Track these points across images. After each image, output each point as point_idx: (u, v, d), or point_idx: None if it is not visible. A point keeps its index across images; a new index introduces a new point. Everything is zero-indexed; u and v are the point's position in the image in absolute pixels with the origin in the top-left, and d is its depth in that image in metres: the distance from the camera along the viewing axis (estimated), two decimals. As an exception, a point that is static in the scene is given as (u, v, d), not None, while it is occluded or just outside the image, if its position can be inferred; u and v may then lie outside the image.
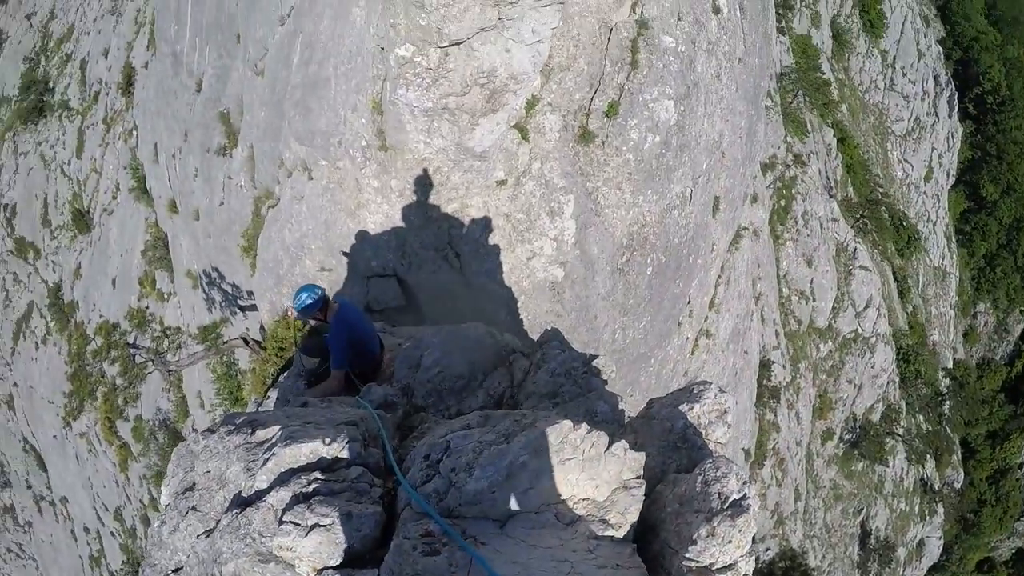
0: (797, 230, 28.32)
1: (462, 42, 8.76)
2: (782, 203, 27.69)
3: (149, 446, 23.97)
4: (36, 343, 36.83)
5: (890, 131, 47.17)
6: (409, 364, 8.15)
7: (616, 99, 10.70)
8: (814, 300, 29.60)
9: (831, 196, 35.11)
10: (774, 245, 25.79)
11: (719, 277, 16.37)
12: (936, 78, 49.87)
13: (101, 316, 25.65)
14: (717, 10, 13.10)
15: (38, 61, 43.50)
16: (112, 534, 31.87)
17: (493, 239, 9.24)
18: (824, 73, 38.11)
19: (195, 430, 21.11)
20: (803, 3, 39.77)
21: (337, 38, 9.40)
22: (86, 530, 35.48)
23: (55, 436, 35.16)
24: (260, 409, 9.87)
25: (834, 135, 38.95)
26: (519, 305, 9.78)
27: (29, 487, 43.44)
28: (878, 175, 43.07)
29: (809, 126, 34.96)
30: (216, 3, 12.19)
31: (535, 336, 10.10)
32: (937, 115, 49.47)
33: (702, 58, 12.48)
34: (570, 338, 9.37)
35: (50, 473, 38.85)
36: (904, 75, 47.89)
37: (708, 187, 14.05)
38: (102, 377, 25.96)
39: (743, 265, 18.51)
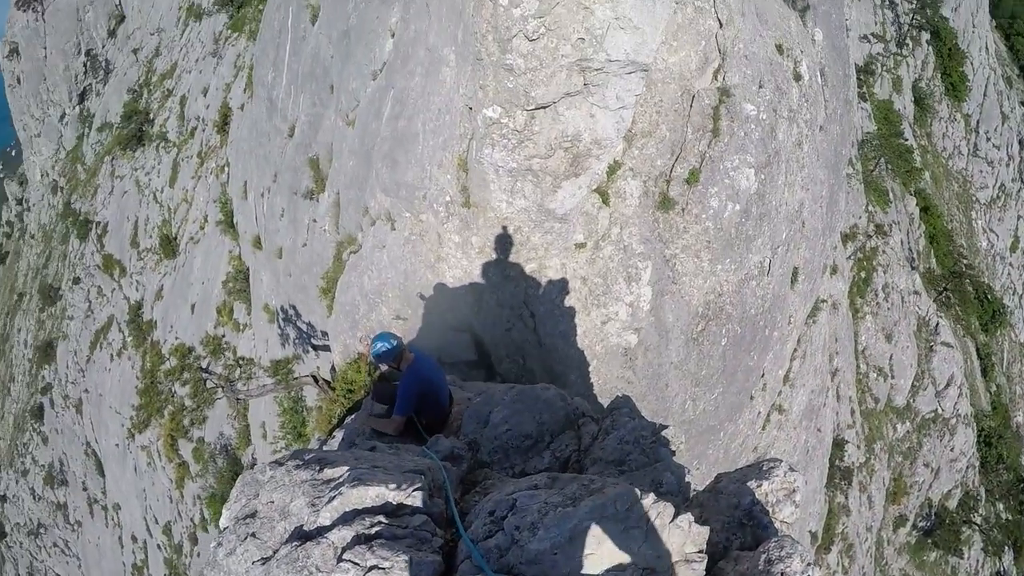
0: (877, 303, 27.23)
1: (548, 106, 8.89)
2: (862, 275, 26.75)
3: (207, 468, 24.51)
4: (111, 355, 38.59)
5: (974, 199, 45.42)
6: (478, 419, 8.20)
7: (697, 166, 10.61)
8: (893, 377, 28.24)
9: (913, 268, 33.80)
10: (853, 319, 24.84)
11: (795, 351, 15.79)
12: (1021, 141, 47.96)
13: (177, 338, 26.71)
14: (798, 77, 12.95)
15: (141, 93, 46.55)
16: (159, 547, 32.54)
17: (569, 301, 9.18)
18: (906, 139, 37.18)
19: (254, 458, 21.50)
20: (884, 68, 39.13)
21: (427, 95, 9.68)
22: (133, 539, 36.35)
23: (117, 445, 36.44)
24: (324, 448, 9.97)
25: (917, 204, 37.71)
26: (590, 369, 9.63)
27: (85, 489, 44.97)
28: (962, 246, 41.37)
29: (891, 195, 33.94)
30: (312, 54, 12.79)
31: (604, 400, 9.93)
32: (1023, 181, 47.35)
33: (783, 126, 12.30)
34: (640, 406, 9.15)
35: (107, 479, 40.17)
36: (988, 139, 46.33)
37: (787, 257, 13.68)
38: (172, 396, 26.79)
39: (820, 339, 17.83)
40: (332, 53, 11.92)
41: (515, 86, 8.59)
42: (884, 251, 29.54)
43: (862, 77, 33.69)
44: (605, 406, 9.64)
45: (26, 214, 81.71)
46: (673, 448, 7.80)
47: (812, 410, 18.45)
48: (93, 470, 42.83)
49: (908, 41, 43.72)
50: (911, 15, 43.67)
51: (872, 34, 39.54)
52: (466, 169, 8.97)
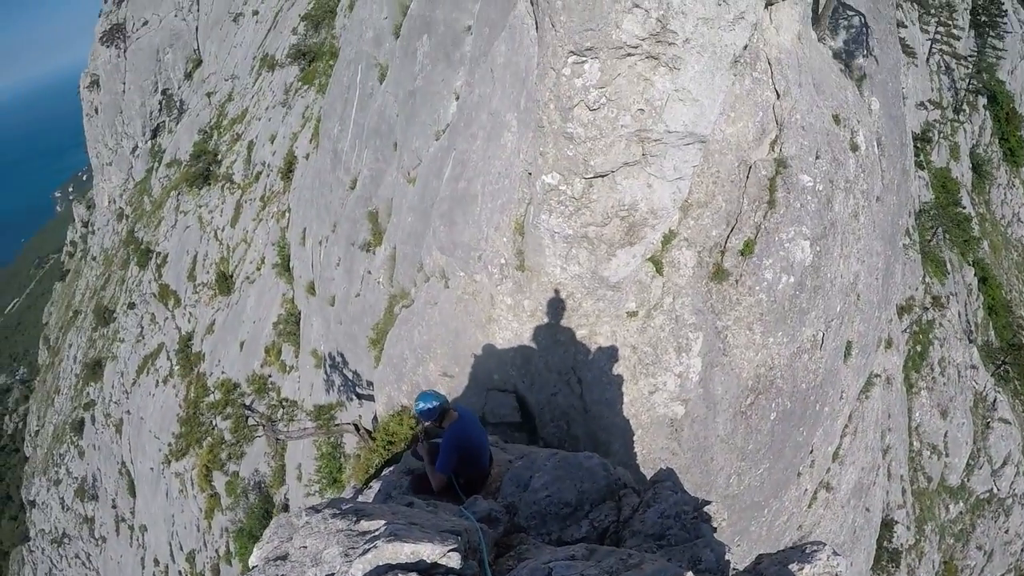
0: (933, 378, 26.29)
1: (606, 175, 9.00)
2: (918, 348, 25.92)
3: (239, 503, 24.68)
4: (157, 381, 39.57)
5: (1034, 267, 43.83)
6: (517, 483, 8.13)
7: (752, 237, 10.55)
8: (947, 455, 27.06)
9: (971, 341, 32.65)
10: (907, 394, 24.00)
11: (846, 427, 15.29)
12: (1082, 206, 46.29)
13: (224, 373, 27.27)
14: (855, 147, 12.87)
15: (211, 134, 48.66)
16: (179, 573, 32.68)
17: (617, 369, 9.12)
18: (964, 208, 36.42)
19: (287, 499, 21.58)
20: (941, 135, 38.56)
21: (488, 159, 9.90)
22: (156, 562, 36.61)
23: (152, 468, 37.08)
24: (360, 498, 9.98)
25: (975, 274, 36.63)
26: (635, 438, 9.50)
27: (114, 506, 45.68)
28: (1021, 317, 39.79)
29: (949, 265, 33.04)
30: (378, 111, 13.24)
31: (647, 471, 9.75)
32: (1085, 249, 45.58)
33: (839, 197, 12.19)
34: (683, 478, 8.96)
35: (137, 500, 40.77)
36: (1048, 204, 44.91)
37: (841, 331, 13.39)
38: (213, 429, 27.23)
39: (872, 415, 17.23)
40: (397, 112, 12.32)
41: (575, 154, 8.74)
42: (941, 324, 28.63)
43: (919, 145, 33.25)
44: (647, 477, 9.47)
45: (90, 236, 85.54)
46: (715, 525, 7.62)
47: (861, 489, 17.73)
48: (125, 489, 43.57)
49: (965, 107, 43.15)
50: (967, 80, 43.16)
51: (929, 101, 39.14)
52: (522, 233, 9.10)
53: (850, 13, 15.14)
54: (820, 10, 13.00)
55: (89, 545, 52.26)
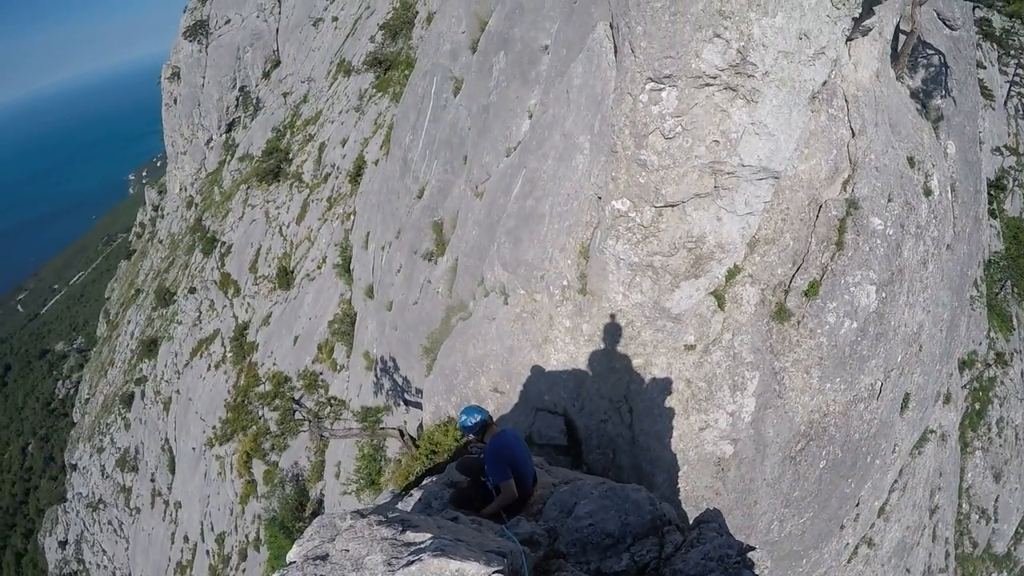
0: (989, 438, 25.15)
1: (677, 205, 8.96)
2: (976, 406, 24.85)
3: (274, 492, 25.17)
4: (209, 365, 40.72)
5: (1103, 327, 41.53)
6: (561, 508, 8.12)
7: (818, 279, 10.36)
8: (996, 521, 25.78)
9: (1033, 404, 31.08)
10: (961, 453, 23.01)
11: (895, 482, 14.79)
12: None
13: (275, 365, 27.88)
14: (928, 192, 12.51)
15: (284, 133, 50.14)
16: (207, 552, 33.36)
17: (669, 402, 9.04)
18: (1035, 261, 34.72)
19: (322, 494, 21.88)
20: (1016, 183, 36.99)
21: (558, 179, 9.97)
22: (186, 539, 37.50)
23: (194, 448, 38.13)
24: (399, 504, 10.08)
25: (1041, 331, 34.87)
26: (680, 473, 9.38)
27: (152, 480, 47.10)
28: (1090, 385, 37.70)
29: (1015, 320, 31.62)
30: (451, 124, 13.46)
31: (688, 507, 9.61)
32: None
33: (909, 243, 11.88)
34: (724, 519, 8.81)
35: (176, 477, 41.91)
36: (1121, 256, 42.47)
37: (900, 382, 13.01)
38: (259, 418, 27.88)
39: (924, 472, 16.62)
40: (470, 125, 12.51)
41: (646, 182, 8.74)
42: (1003, 382, 27.39)
43: (992, 192, 31.99)
44: (688, 513, 9.35)
45: (159, 220, 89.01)
46: (758, 572, 7.47)
47: (904, 548, 17.08)
48: (165, 465, 44.83)
49: (1041, 153, 41.38)
50: (1045, 124, 41.40)
51: (1005, 146, 37.65)
52: (587, 256, 9.12)
53: (930, 52, 14.76)
54: (900, 47, 12.73)
55: (123, 514, 53.91)
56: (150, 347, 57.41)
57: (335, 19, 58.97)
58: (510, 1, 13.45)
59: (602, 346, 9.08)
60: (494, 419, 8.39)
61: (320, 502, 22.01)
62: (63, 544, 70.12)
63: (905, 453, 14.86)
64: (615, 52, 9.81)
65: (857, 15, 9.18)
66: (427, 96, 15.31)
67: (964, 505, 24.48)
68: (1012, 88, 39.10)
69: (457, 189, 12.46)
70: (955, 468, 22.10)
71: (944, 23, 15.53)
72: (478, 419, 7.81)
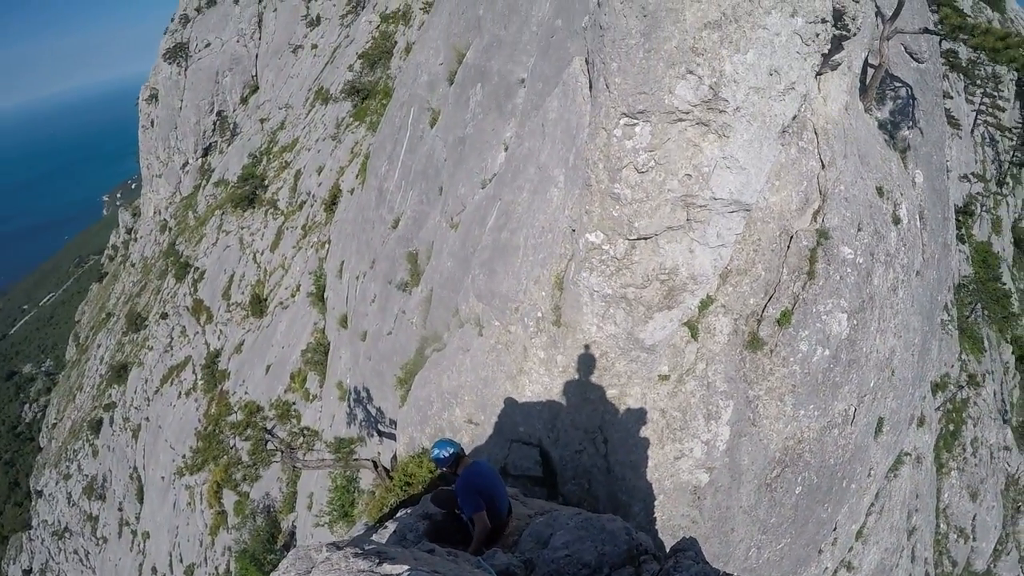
0: (964, 459, 25.49)
1: (650, 237, 9.06)
2: (950, 427, 25.20)
3: (245, 523, 24.73)
4: (180, 392, 40.07)
5: (1073, 349, 42.42)
6: (537, 539, 8.09)
7: (790, 308, 10.50)
8: (974, 540, 26.04)
9: (1005, 421, 31.62)
10: (937, 474, 23.26)
11: (872, 505, 14.90)
12: None
13: (247, 394, 27.51)
14: (897, 220, 12.77)
15: (260, 159, 49.98)
16: None
17: (644, 432, 9.06)
18: (1004, 283, 35.57)
19: (294, 526, 21.49)
20: (983, 208, 37.94)
21: (532, 211, 10.04)
22: (154, 570, 36.59)
23: (163, 477, 37.36)
24: (374, 536, 9.95)
25: (1012, 352, 35.64)
26: (656, 503, 9.38)
27: (120, 509, 45.96)
28: (1060, 399, 38.50)
29: (986, 342, 32.25)
30: (427, 155, 13.52)
31: (664, 536, 9.60)
32: (1126, 330, 44.04)
33: (879, 270, 12.09)
34: (701, 547, 8.81)
35: (144, 507, 40.98)
36: (1089, 280, 43.57)
37: (873, 407, 13.17)
38: (231, 448, 27.41)
39: (900, 494, 16.76)
40: (446, 156, 12.57)
41: (620, 215, 8.82)
42: (975, 403, 27.85)
43: (960, 218, 32.78)
44: (665, 543, 9.33)
45: (132, 243, 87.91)
46: (736, 601, 7.48)
47: (883, 570, 17.16)
48: (133, 494, 43.87)
49: (1008, 179, 42.50)
50: (1012, 152, 42.58)
51: (972, 173, 38.65)
52: (561, 288, 9.17)
53: (898, 84, 15.11)
54: (869, 81, 13.03)
55: (89, 543, 52.50)
56: (120, 372, 56.32)
57: (315, 46, 59.19)
58: (488, 34, 13.61)
59: (577, 377, 9.09)
60: (468, 451, 8.36)
61: (292, 534, 21.64)
62: (27, 573, 67.95)
63: (881, 476, 14.99)
64: (590, 87, 9.95)
65: (827, 51, 9.42)
66: (404, 126, 15.36)
67: (942, 525, 24.71)
68: (979, 117, 40.25)
69: (432, 220, 12.49)
70: (931, 489, 22.32)
71: (911, 56, 15.94)
72: (450, 452, 7.79)
